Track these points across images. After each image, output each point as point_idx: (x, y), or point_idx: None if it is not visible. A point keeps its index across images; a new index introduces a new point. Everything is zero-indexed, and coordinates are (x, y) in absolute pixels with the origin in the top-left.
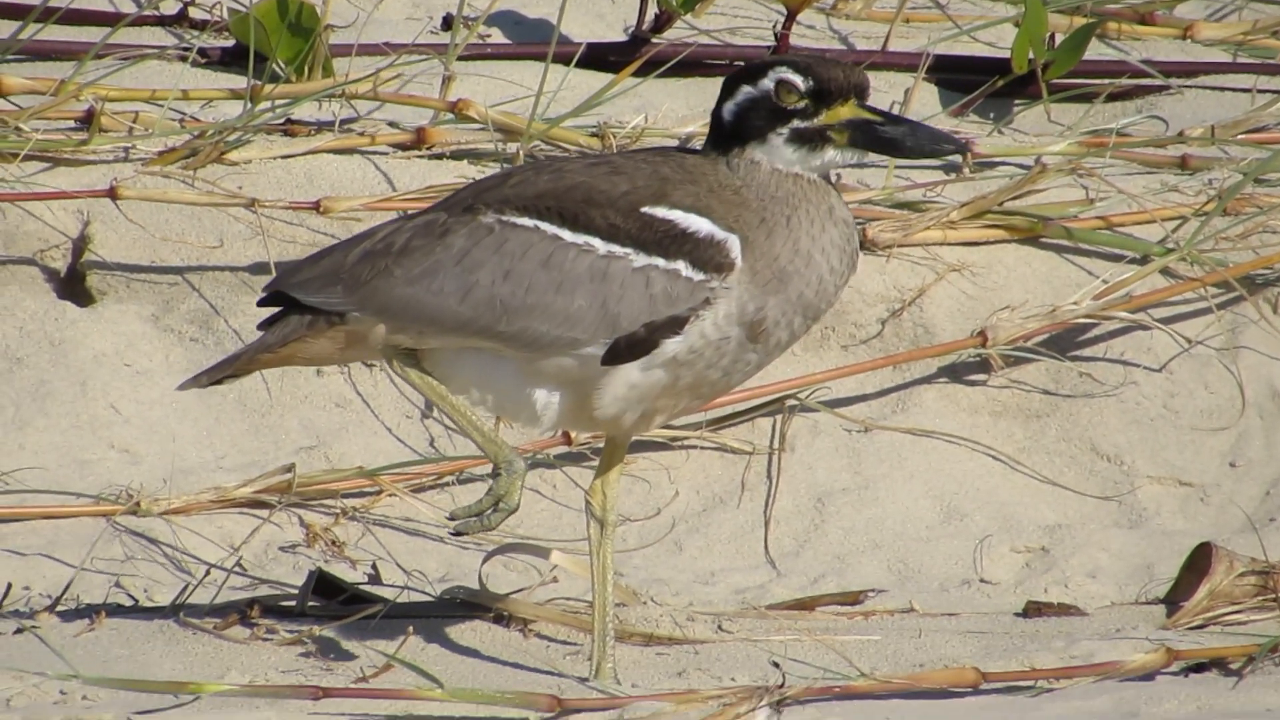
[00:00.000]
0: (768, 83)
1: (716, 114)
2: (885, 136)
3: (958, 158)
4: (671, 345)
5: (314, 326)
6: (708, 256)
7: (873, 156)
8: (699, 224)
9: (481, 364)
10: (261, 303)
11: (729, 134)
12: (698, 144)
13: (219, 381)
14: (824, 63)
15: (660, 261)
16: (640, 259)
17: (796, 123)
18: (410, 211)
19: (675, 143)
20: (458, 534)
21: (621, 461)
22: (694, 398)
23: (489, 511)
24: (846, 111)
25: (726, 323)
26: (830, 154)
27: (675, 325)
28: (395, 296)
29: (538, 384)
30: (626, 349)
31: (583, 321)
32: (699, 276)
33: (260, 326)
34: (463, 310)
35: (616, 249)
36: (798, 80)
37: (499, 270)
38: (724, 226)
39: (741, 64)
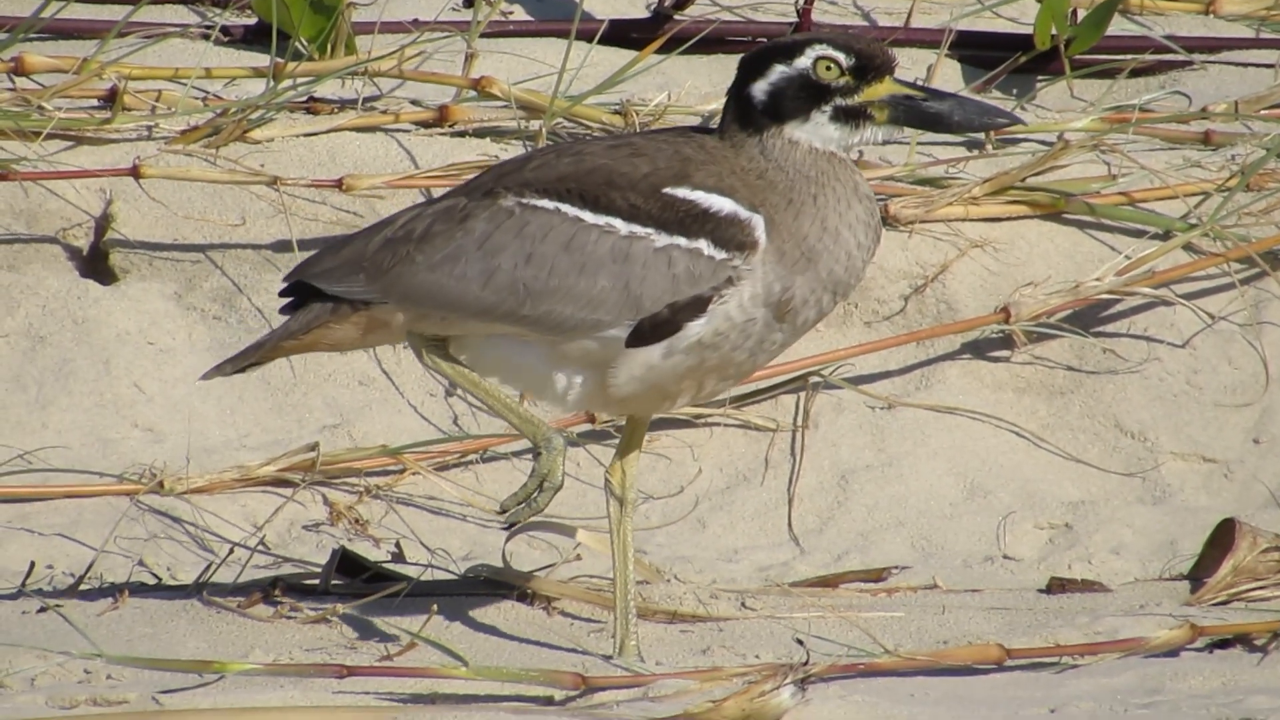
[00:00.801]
0: (805, 60)
1: (741, 94)
2: (930, 111)
3: (981, 134)
4: (695, 328)
5: (338, 313)
6: (730, 235)
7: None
8: (721, 203)
9: (506, 348)
10: (283, 293)
11: (762, 113)
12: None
13: (243, 369)
14: (861, 39)
15: (682, 241)
16: (662, 239)
17: (839, 100)
18: (432, 189)
19: (699, 120)
20: (510, 525)
21: (642, 441)
22: (720, 379)
23: (535, 494)
24: (885, 88)
25: (752, 304)
26: (869, 131)
27: (699, 306)
28: (418, 283)
29: (562, 366)
30: (651, 330)
31: (606, 303)
32: (721, 255)
33: (283, 311)
34: (485, 295)
35: (638, 229)
36: (840, 57)
37: (521, 254)
38: (747, 206)
39: (764, 41)
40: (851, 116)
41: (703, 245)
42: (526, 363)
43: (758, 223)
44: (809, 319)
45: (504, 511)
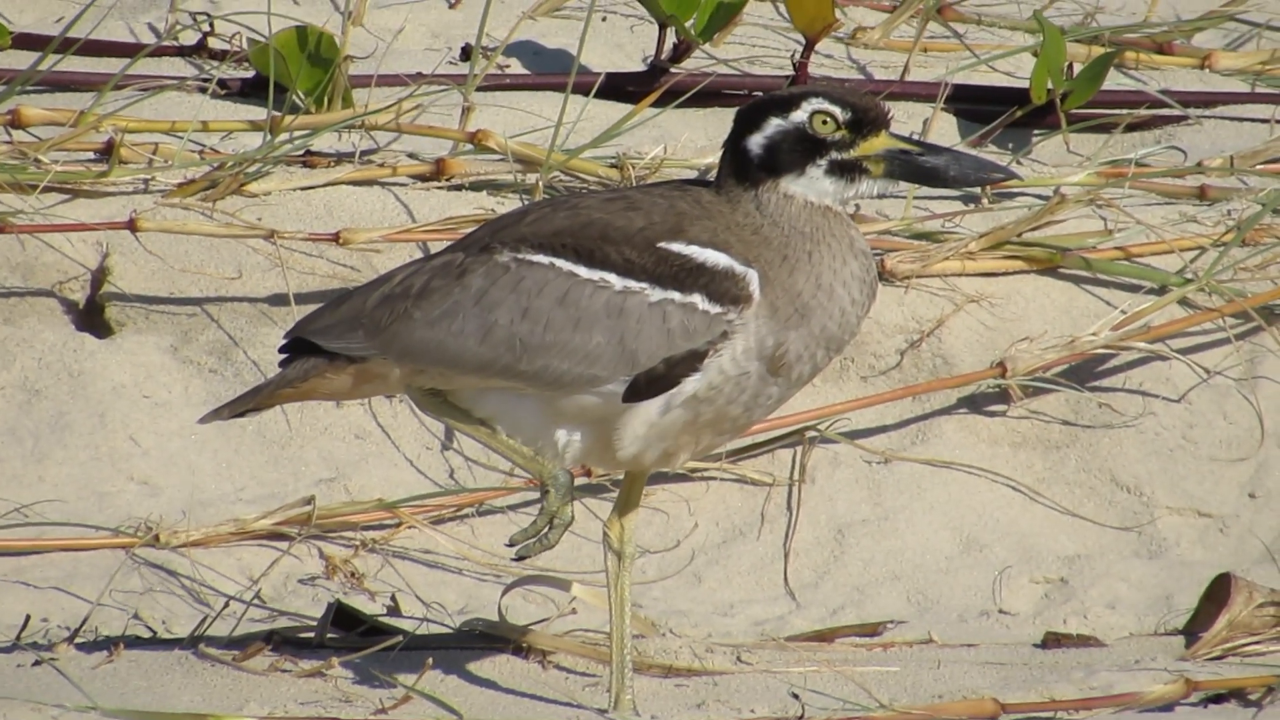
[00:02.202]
0: (801, 114)
1: (737, 148)
2: (926, 166)
3: (976, 189)
4: (691, 383)
5: (334, 365)
6: (724, 289)
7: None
8: (716, 258)
9: (503, 403)
10: (282, 349)
11: (758, 166)
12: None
13: (240, 414)
14: (857, 93)
15: (676, 295)
16: (657, 293)
17: (834, 154)
18: (429, 243)
19: (694, 173)
20: (520, 559)
21: (640, 496)
22: (716, 434)
23: (545, 531)
24: (881, 142)
25: (745, 358)
26: (865, 185)
27: (694, 360)
28: (416, 339)
29: (559, 423)
30: (646, 385)
31: (602, 358)
32: (716, 309)
33: (282, 363)
34: (483, 350)
35: (633, 284)
36: (836, 111)
37: (517, 309)
38: (742, 260)
39: (760, 95)
40: (847, 171)
41: (697, 300)
42: (523, 418)
43: (752, 277)
44: (803, 374)
45: (513, 544)
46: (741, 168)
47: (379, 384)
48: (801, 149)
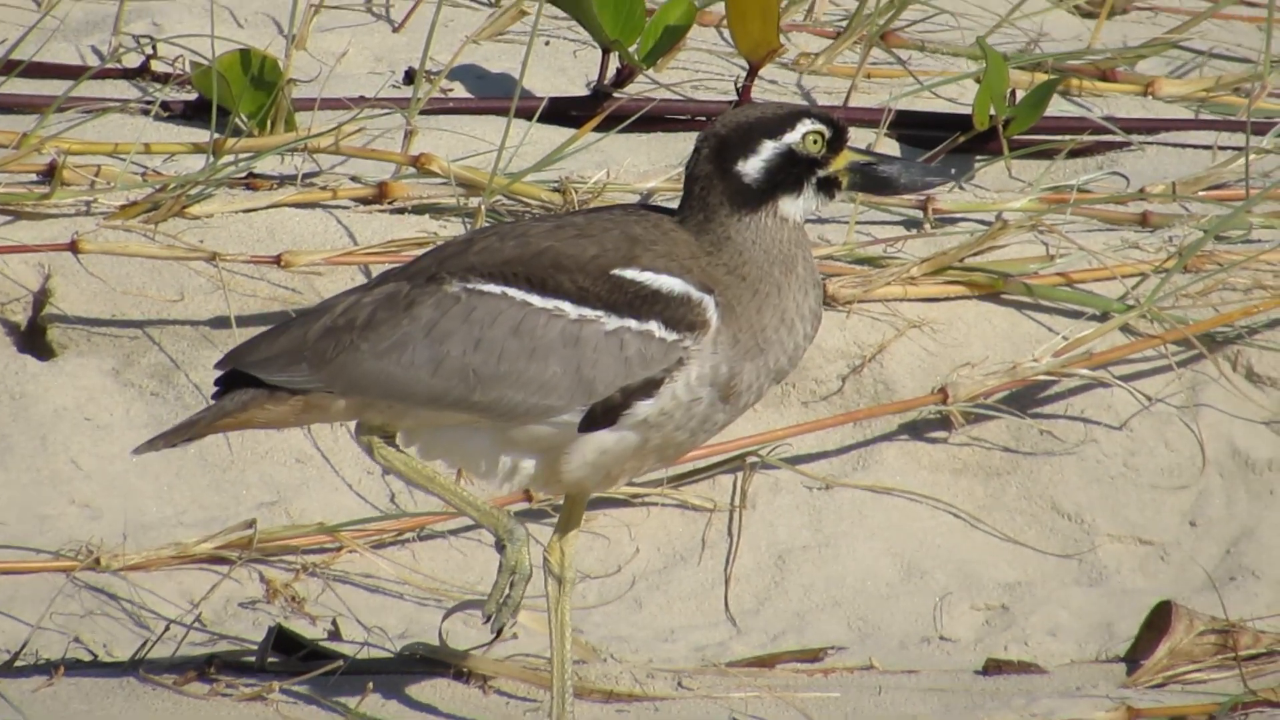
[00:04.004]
0: (795, 135)
1: (726, 173)
2: (883, 175)
3: (920, 213)
4: (643, 408)
5: (275, 396)
6: (680, 315)
7: (831, 209)
8: (671, 283)
9: (453, 433)
10: (218, 382)
11: (756, 190)
12: (659, 200)
13: (174, 445)
14: (826, 110)
15: (633, 323)
16: (613, 321)
17: (819, 171)
18: (371, 265)
19: (637, 197)
20: (498, 632)
21: (580, 520)
22: (660, 459)
23: (507, 590)
24: (846, 156)
25: (699, 384)
26: (836, 198)
27: (650, 388)
28: (364, 371)
29: (510, 450)
30: (603, 414)
31: (558, 388)
32: (672, 336)
33: (216, 394)
34: (435, 382)
35: (588, 312)
36: (824, 129)
37: (469, 339)
38: (699, 286)
39: (704, 119)
40: (825, 186)
41: (654, 327)
42: (475, 447)
43: (709, 303)
44: (749, 401)
45: (488, 619)
46: (737, 193)
47: (320, 414)
48: (796, 169)
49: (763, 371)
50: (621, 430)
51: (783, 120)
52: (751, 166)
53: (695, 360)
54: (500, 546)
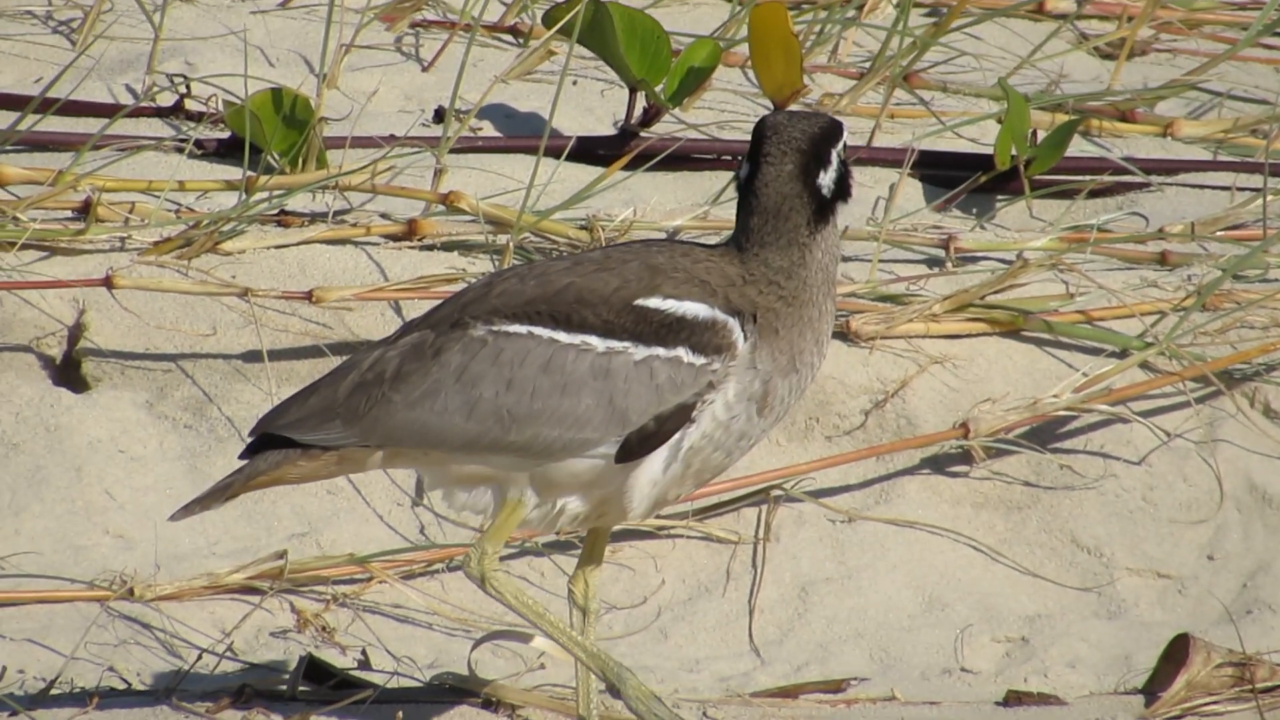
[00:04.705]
0: (843, 141)
1: (808, 189)
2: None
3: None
4: (690, 435)
5: (308, 453)
6: (707, 340)
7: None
8: (696, 309)
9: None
10: (249, 449)
11: (831, 200)
12: (685, 236)
13: (209, 509)
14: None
15: (661, 351)
16: (641, 351)
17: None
18: (401, 301)
19: (663, 235)
20: None
21: (604, 551)
22: (697, 483)
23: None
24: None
25: (737, 400)
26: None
27: (683, 413)
28: (398, 423)
29: (548, 492)
30: (638, 444)
31: (592, 421)
32: (700, 360)
33: (244, 456)
34: (470, 426)
35: (615, 344)
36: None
37: (500, 380)
38: (725, 309)
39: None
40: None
41: (682, 353)
42: (511, 491)
43: (734, 325)
44: (779, 415)
45: None
46: (818, 208)
47: (353, 466)
48: (846, 176)
49: (794, 389)
50: (673, 461)
51: (836, 126)
52: (828, 178)
53: (731, 380)
54: (614, 692)
